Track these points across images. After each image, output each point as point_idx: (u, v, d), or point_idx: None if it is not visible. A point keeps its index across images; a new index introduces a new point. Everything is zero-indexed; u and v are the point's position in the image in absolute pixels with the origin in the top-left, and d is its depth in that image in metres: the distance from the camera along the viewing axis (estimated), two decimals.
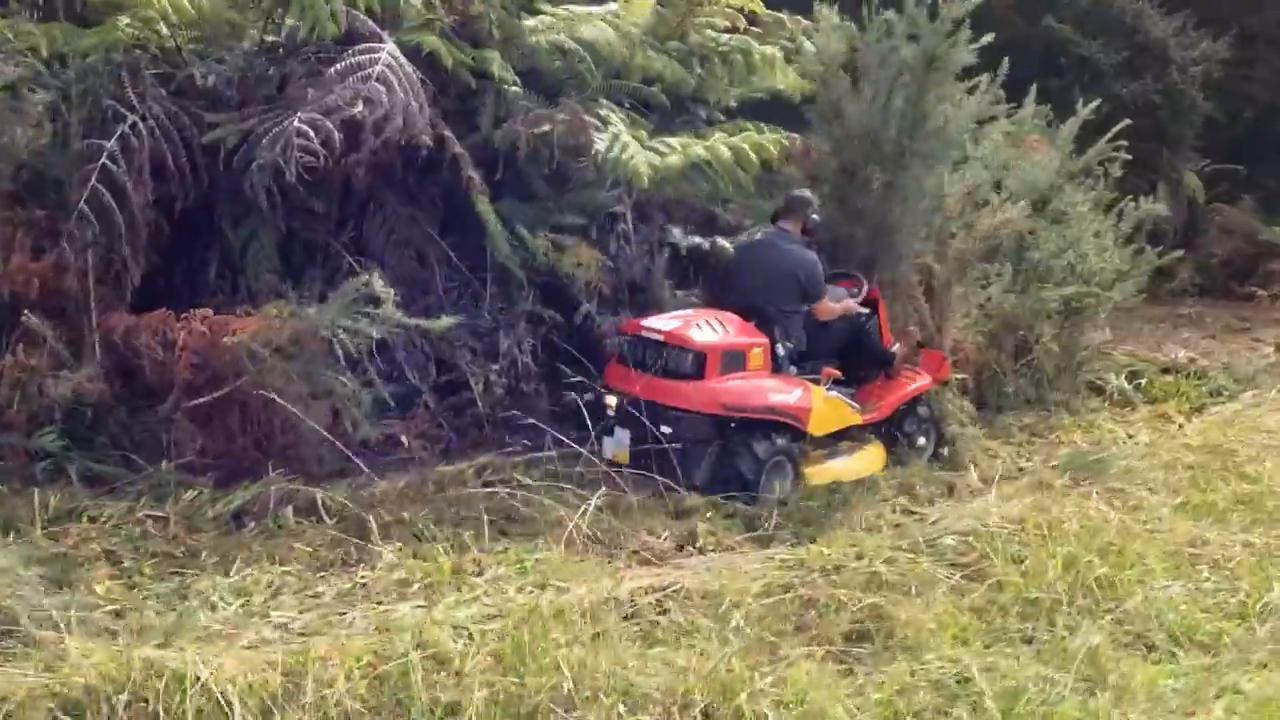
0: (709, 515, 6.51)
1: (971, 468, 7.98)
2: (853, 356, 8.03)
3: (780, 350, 7.37)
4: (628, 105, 8.06)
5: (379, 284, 6.03)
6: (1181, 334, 14.04)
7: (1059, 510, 6.52)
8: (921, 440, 8.20)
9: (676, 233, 8.49)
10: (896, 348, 8.22)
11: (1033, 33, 15.96)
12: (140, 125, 6.27)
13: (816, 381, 7.41)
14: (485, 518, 6.15)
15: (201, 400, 6.05)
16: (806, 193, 8.05)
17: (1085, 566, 5.91)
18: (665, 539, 6.16)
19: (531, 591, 5.14)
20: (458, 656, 4.25)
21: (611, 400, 7.09)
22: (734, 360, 7.06)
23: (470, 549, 5.69)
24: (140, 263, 6.61)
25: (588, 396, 7.41)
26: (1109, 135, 11.00)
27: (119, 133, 6.18)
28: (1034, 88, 11.21)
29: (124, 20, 6.64)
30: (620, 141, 7.10)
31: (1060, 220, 10.22)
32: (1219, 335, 14.22)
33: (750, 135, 7.85)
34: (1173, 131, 16.50)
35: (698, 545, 6.12)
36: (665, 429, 6.86)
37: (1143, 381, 11.01)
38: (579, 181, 7.42)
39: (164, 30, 6.80)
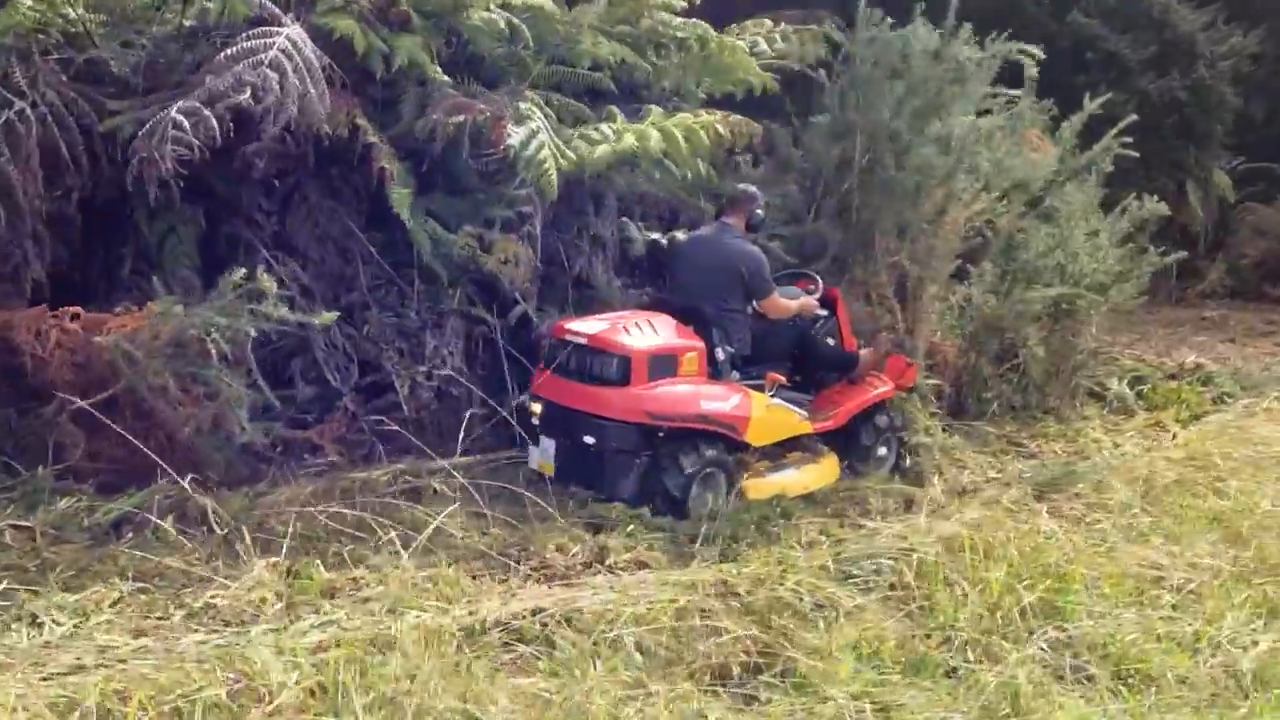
0: (630, 529, 6.10)
1: (936, 480, 7.52)
2: (806, 361, 7.58)
3: (720, 354, 6.87)
4: (570, 93, 7.64)
5: (265, 279, 5.66)
6: (1199, 338, 13.46)
7: (1007, 528, 6.08)
8: (882, 450, 7.68)
9: (633, 228, 8.11)
10: (865, 352, 7.75)
11: (1060, 29, 15.48)
12: (29, 112, 5.93)
13: (761, 388, 6.96)
14: (389, 530, 5.84)
15: (85, 402, 5.69)
16: (751, 187, 7.56)
17: (1024, 591, 5.47)
18: (575, 555, 5.76)
19: (400, 613, 4.76)
20: (275, 689, 3.87)
21: (536, 408, 6.76)
22: (664, 365, 6.59)
23: (353, 564, 5.32)
24: (43, 256, 6.31)
25: (522, 401, 7.10)
26: (1114, 131, 10.48)
27: (3, 119, 5.84)
28: (1032, 78, 10.72)
29: (27, 2, 6.31)
30: (536, 140, 6.66)
31: (1051, 218, 9.73)
32: (1240, 339, 13.64)
33: (683, 120, 7.38)
34: (1201, 128, 15.97)
35: (607, 563, 5.70)
36: (589, 439, 6.51)
37: (1145, 388, 10.51)
38: (510, 174, 6.99)
39: (72, 14, 6.47)
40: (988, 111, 9.77)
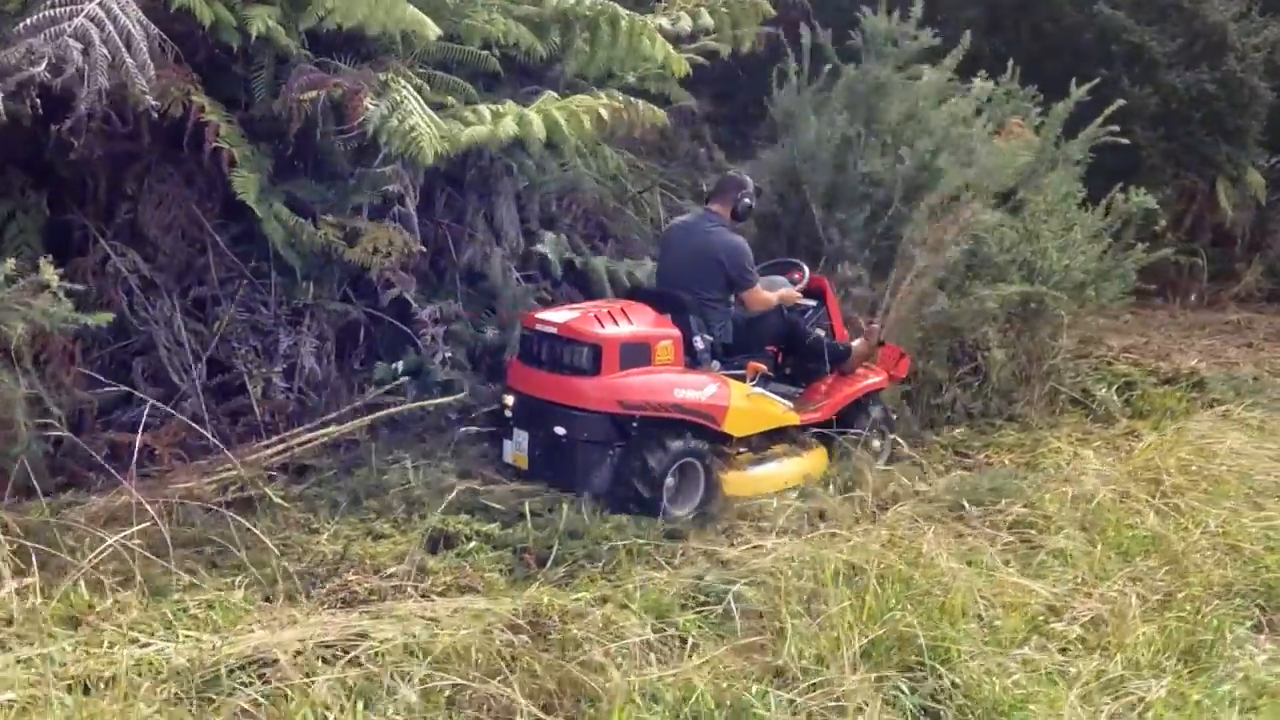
0: (470, 547, 5.51)
1: (858, 492, 6.83)
2: (793, 351, 7.37)
3: (699, 343, 6.62)
4: (464, 74, 7.06)
5: (47, 270, 5.13)
6: (1212, 341, 12.65)
7: (900, 550, 5.41)
8: (876, 443, 7.37)
9: (548, 240, 7.53)
10: (858, 343, 7.46)
11: (1084, 20, 14.83)
12: None
13: (743, 378, 6.68)
14: (202, 545, 5.32)
15: None
16: (741, 174, 7.29)
17: (890, 624, 4.79)
18: (390, 575, 5.16)
19: (143, 645, 4.21)
20: None
21: (509, 399, 6.52)
22: (636, 354, 6.33)
23: (129, 587, 4.76)
24: None
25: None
26: (1100, 119, 9.76)
27: None
28: (1010, 64, 10.06)
29: None
30: (402, 109, 6.07)
31: (1021, 212, 9.04)
32: (1259, 343, 12.81)
33: (567, 104, 6.77)
34: (1232, 124, 15.13)
35: (422, 586, 5.09)
36: (560, 430, 6.27)
37: (1135, 393, 9.78)
38: (384, 159, 6.43)
39: None
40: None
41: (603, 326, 6.34)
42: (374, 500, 5.89)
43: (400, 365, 6.68)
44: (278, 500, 5.73)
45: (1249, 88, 14.94)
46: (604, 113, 6.70)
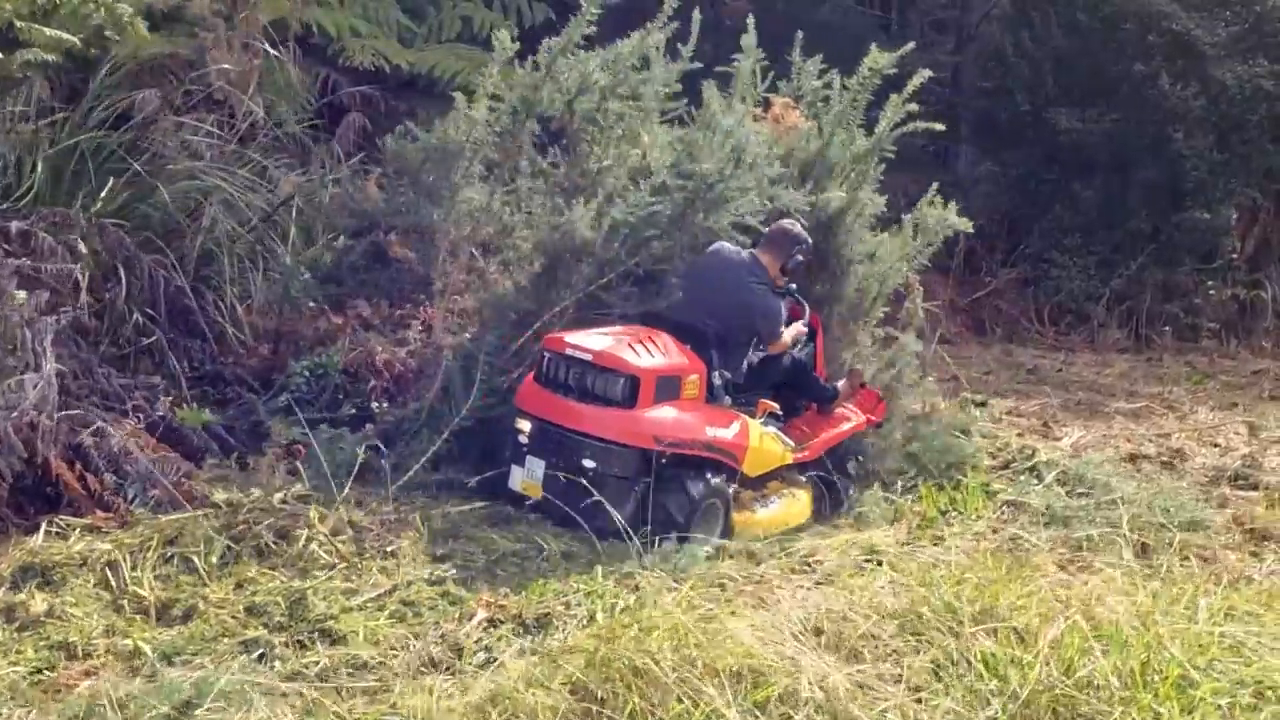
0: None
1: None
2: (793, 391, 7.19)
3: (716, 379, 6.55)
4: None
5: None
6: (1147, 403, 10.36)
7: None
8: (852, 491, 7.27)
9: None
10: (841, 383, 7.41)
11: (1125, 7, 13.52)
12: None
13: (752, 414, 6.65)
14: None
15: None
16: (798, 227, 6.94)
17: None
18: None
19: None
20: None
21: (524, 425, 6.29)
22: (669, 387, 6.25)
23: None
24: None
25: None
26: (901, 99, 7.59)
27: None
28: (799, 35, 8.10)
29: None
30: None
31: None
32: (1249, 405, 10.27)
33: None
34: None
35: None
36: (589, 462, 6.02)
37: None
38: None
39: None
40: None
41: (639, 357, 6.17)
42: None
43: None
44: None
45: None
46: None
